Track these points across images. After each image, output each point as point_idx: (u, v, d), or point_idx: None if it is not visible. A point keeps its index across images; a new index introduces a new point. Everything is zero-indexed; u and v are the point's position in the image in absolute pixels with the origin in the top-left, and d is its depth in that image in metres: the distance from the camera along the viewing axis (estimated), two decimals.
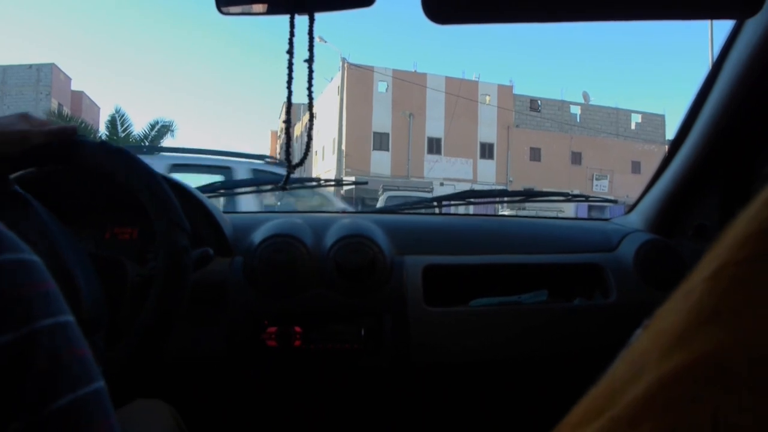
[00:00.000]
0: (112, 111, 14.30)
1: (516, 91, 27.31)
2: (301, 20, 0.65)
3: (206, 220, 0.98)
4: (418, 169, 23.74)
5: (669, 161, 1.12)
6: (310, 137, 0.76)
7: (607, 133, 28.61)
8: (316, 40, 0.70)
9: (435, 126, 24.61)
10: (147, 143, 12.60)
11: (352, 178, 13.82)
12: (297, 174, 0.98)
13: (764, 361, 0.16)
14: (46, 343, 0.29)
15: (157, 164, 0.93)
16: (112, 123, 13.96)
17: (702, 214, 1.10)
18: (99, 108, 30.55)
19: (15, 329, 0.29)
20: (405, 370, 1.00)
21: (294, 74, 0.70)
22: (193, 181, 1.28)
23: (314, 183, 2.30)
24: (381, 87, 24.36)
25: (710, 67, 0.96)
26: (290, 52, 0.68)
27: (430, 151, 24.72)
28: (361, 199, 13.51)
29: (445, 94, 24.35)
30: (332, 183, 2.42)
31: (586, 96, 29.39)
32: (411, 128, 24.15)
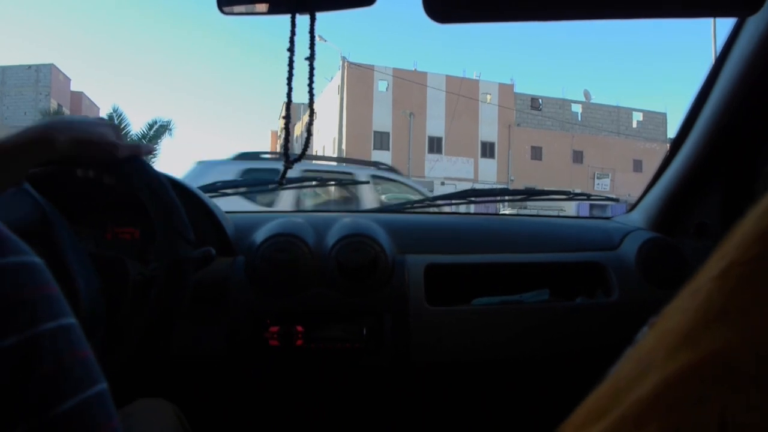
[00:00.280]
0: (111, 111, 14.34)
1: (517, 89, 27.35)
2: (302, 19, 0.65)
3: (208, 219, 0.98)
4: (419, 169, 23.72)
5: (670, 159, 1.12)
6: (309, 133, 0.76)
7: (609, 132, 28.60)
8: (317, 39, 0.70)
9: (436, 125, 24.61)
10: (144, 143, 12.63)
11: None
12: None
13: None
14: (49, 346, 0.29)
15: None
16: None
17: (704, 212, 1.09)
18: (98, 108, 30.62)
19: (19, 332, 0.29)
20: (407, 370, 1.00)
21: (294, 73, 0.70)
22: None
23: (313, 182, 2.29)
24: (381, 86, 24.35)
25: (711, 65, 0.95)
26: (291, 50, 0.68)
27: (431, 150, 24.72)
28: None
29: (446, 93, 24.34)
30: (332, 183, 2.40)
31: (587, 94, 29.38)
32: (411, 127, 24.13)
